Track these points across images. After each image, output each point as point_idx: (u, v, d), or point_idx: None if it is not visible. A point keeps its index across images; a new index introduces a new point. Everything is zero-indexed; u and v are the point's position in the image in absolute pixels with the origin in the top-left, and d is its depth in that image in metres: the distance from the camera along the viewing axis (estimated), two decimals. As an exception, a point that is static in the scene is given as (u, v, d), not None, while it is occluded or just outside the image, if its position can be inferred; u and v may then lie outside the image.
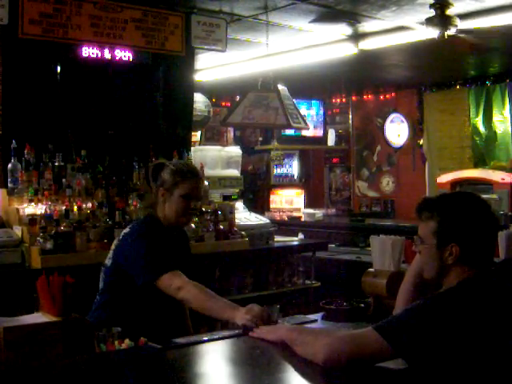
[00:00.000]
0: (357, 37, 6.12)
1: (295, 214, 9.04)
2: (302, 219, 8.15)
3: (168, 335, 2.55)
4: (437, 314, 1.86)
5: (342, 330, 2.11)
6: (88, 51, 4.65)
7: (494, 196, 7.04)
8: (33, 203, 4.03)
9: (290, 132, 9.36)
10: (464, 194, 2.10)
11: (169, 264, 2.69)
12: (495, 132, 8.41)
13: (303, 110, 9.18)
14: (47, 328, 2.05)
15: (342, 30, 5.97)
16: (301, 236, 6.11)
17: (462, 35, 5.47)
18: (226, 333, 2.64)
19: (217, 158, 6.19)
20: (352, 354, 1.92)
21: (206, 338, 2.53)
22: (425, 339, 1.84)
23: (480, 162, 8.50)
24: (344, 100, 10.29)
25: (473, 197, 2.06)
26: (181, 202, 2.82)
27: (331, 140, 10.32)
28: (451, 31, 4.92)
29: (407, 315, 1.92)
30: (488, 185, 7.54)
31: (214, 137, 8.35)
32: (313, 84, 8.85)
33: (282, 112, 5.56)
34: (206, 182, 5.10)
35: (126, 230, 2.90)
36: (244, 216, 5.26)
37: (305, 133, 9.57)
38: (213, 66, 7.59)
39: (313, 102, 10.13)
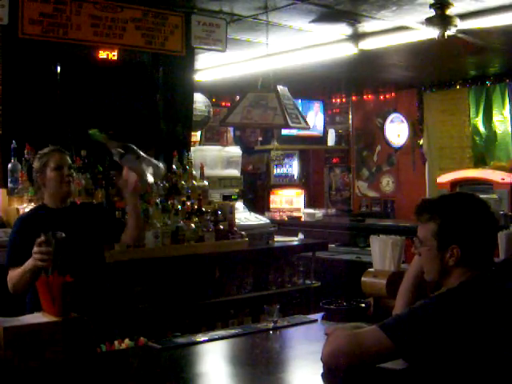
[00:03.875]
0: (357, 37, 6.12)
1: (295, 214, 9.03)
2: (302, 219, 8.14)
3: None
4: (441, 314, 1.86)
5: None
6: (88, 51, 4.65)
7: (494, 196, 7.04)
8: (33, 203, 4.02)
9: (289, 132, 9.35)
10: (464, 195, 2.09)
11: (21, 260, 2.85)
12: (495, 132, 8.41)
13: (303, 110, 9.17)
14: (47, 328, 2.05)
15: (342, 29, 5.97)
16: (301, 236, 6.11)
17: (461, 35, 5.47)
18: (225, 333, 2.65)
19: (217, 158, 6.19)
20: (354, 352, 1.92)
21: (205, 338, 2.53)
22: (428, 339, 1.84)
23: (480, 161, 8.50)
24: (344, 100, 10.29)
25: (472, 198, 2.05)
26: (55, 174, 3.09)
27: (331, 140, 10.32)
28: (451, 31, 4.92)
29: (412, 314, 1.92)
30: (488, 185, 7.54)
31: (214, 137, 8.36)
32: (313, 84, 8.85)
33: (281, 112, 5.56)
34: (206, 182, 5.11)
35: None
36: (244, 216, 5.26)
37: (305, 133, 9.56)
38: (213, 66, 7.58)
39: (313, 101, 10.12)
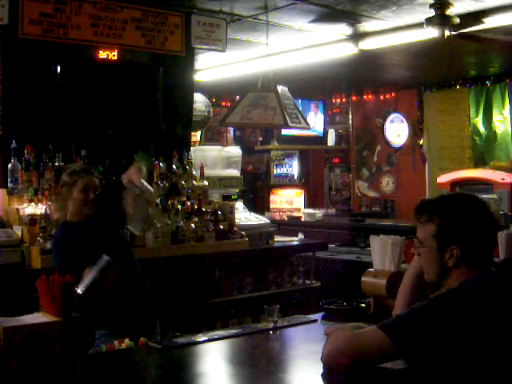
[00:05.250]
0: (357, 37, 6.12)
1: (295, 214, 9.03)
2: (302, 219, 8.14)
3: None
4: (441, 314, 1.86)
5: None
6: (88, 51, 4.65)
7: (494, 196, 7.03)
8: (33, 203, 4.03)
9: (289, 132, 9.35)
10: (463, 196, 2.09)
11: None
12: (495, 132, 8.41)
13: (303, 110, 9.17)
14: (47, 328, 2.05)
15: (342, 29, 5.97)
16: (301, 236, 6.10)
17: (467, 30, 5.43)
18: (225, 333, 2.64)
19: (217, 158, 6.19)
20: (354, 353, 1.92)
21: (205, 338, 2.53)
22: (428, 339, 1.84)
23: (480, 161, 8.50)
24: (344, 100, 10.29)
25: (472, 198, 2.05)
26: (80, 196, 3.24)
27: (331, 140, 10.32)
28: (451, 31, 4.92)
29: (412, 315, 1.91)
30: (488, 185, 7.54)
31: (214, 137, 8.37)
32: (313, 84, 8.85)
33: (281, 112, 5.56)
34: (206, 182, 5.11)
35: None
36: (244, 216, 5.26)
37: (305, 133, 9.56)
38: (213, 66, 7.58)
39: (313, 101, 10.12)
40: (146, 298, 3.38)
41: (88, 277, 2.89)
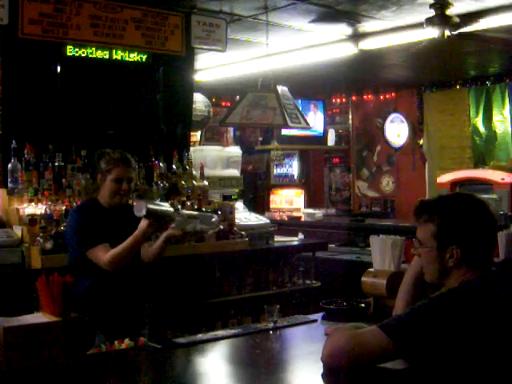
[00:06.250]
0: (357, 37, 6.12)
1: (295, 214, 9.03)
2: (302, 219, 8.14)
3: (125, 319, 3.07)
4: (441, 314, 1.86)
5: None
6: (88, 51, 4.65)
7: (494, 196, 7.03)
8: (33, 203, 4.03)
9: (289, 132, 9.35)
10: (462, 196, 2.09)
11: (96, 239, 3.11)
12: (495, 132, 8.41)
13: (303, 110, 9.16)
14: (47, 328, 2.05)
15: (342, 29, 5.97)
16: (301, 236, 6.10)
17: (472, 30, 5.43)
18: (225, 333, 2.64)
19: (217, 158, 6.20)
20: (354, 352, 1.92)
21: (206, 338, 2.53)
22: (428, 339, 1.84)
23: (480, 161, 8.51)
24: (344, 100, 10.29)
25: (471, 198, 2.05)
26: (113, 185, 3.21)
27: (331, 140, 10.32)
28: (451, 31, 4.92)
29: (412, 315, 1.91)
30: (488, 185, 7.54)
31: (213, 137, 8.36)
32: (313, 84, 8.85)
33: (280, 112, 5.57)
34: (206, 182, 5.11)
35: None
36: (244, 216, 5.26)
37: (305, 133, 9.57)
38: (213, 66, 7.59)
39: (313, 101, 10.12)
40: (138, 295, 3.36)
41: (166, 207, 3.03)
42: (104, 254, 3.07)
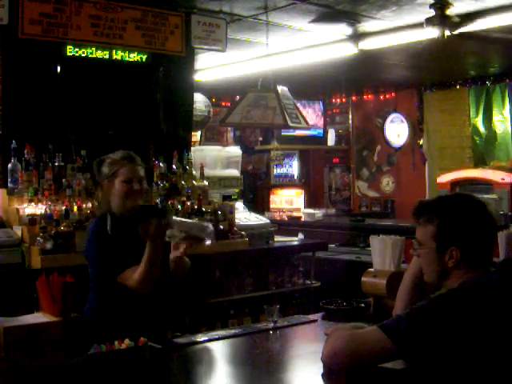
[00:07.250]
0: (357, 37, 6.12)
1: (295, 214, 9.03)
2: (302, 219, 8.14)
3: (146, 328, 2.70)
4: (441, 314, 1.86)
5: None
6: (88, 51, 4.65)
7: (494, 196, 7.04)
8: (33, 203, 4.03)
9: (289, 132, 9.35)
10: (461, 196, 2.09)
11: (120, 265, 2.83)
12: (495, 132, 8.41)
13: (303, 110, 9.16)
14: (47, 328, 2.05)
15: (342, 29, 5.97)
16: (301, 236, 6.10)
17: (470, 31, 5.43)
18: (225, 333, 2.64)
19: (217, 158, 6.19)
20: (353, 353, 1.92)
21: (205, 338, 2.53)
22: (428, 339, 1.84)
23: (480, 162, 8.50)
24: (344, 100, 10.29)
25: (470, 198, 2.05)
26: (123, 187, 2.92)
27: (331, 140, 10.32)
28: (451, 31, 4.92)
29: (412, 315, 1.91)
30: (488, 185, 7.54)
31: (214, 137, 8.37)
32: (313, 84, 8.85)
33: (280, 112, 5.57)
34: (206, 182, 5.11)
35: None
36: (244, 216, 5.25)
37: (305, 133, 9.56)
38: (213, 66, 7.58)
39: (313, 101, 10.12)
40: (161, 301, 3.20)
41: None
42: (130, 278, 2.80)
